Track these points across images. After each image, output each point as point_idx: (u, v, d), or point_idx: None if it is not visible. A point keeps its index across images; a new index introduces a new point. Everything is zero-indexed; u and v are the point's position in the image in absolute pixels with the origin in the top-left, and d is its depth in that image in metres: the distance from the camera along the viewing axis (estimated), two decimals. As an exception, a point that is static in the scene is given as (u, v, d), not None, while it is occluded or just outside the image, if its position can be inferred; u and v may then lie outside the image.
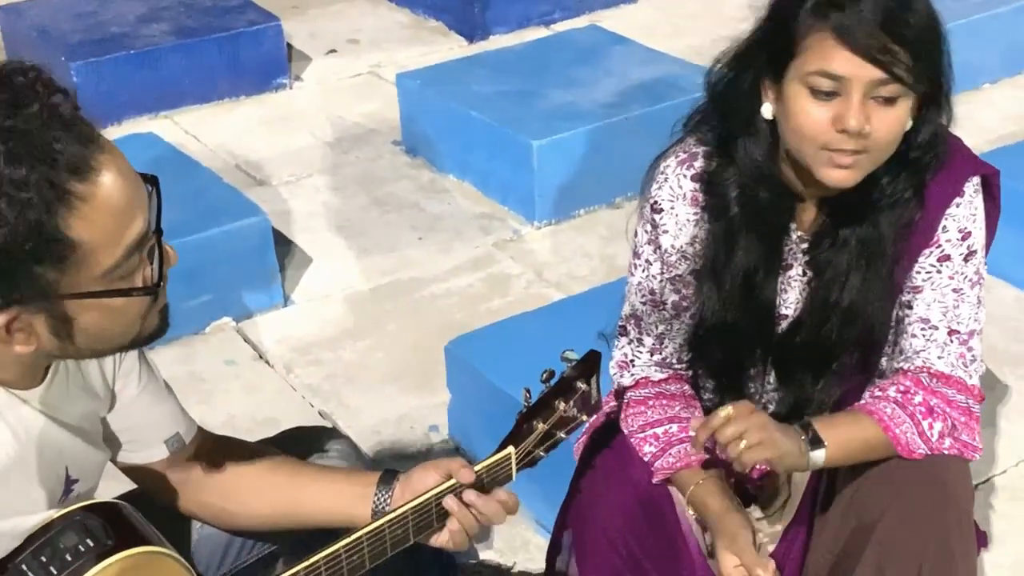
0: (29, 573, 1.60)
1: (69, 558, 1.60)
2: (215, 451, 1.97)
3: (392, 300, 3.60)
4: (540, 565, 2.52)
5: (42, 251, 1.41)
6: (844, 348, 2.04)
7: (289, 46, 5.06)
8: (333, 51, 5.23)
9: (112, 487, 1.86)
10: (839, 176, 1.86)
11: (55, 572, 1.59)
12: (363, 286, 3.68)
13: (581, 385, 1.90)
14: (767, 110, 1.89)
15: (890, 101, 1.81)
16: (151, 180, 1.54)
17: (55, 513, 1.66)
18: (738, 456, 1.87)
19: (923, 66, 1.81)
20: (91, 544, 1.62)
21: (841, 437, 1.95)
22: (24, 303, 1.45)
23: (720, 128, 2.01)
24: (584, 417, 1.92)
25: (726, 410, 1.90)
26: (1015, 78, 4.76)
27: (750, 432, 1.87)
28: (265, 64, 4.87)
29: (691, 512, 2.07)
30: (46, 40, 4.74)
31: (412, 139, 4.40)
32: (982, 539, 2.45)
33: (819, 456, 1.93)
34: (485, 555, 2.70)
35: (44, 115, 1.41)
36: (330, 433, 2.20)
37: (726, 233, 2.01)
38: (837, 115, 1.81)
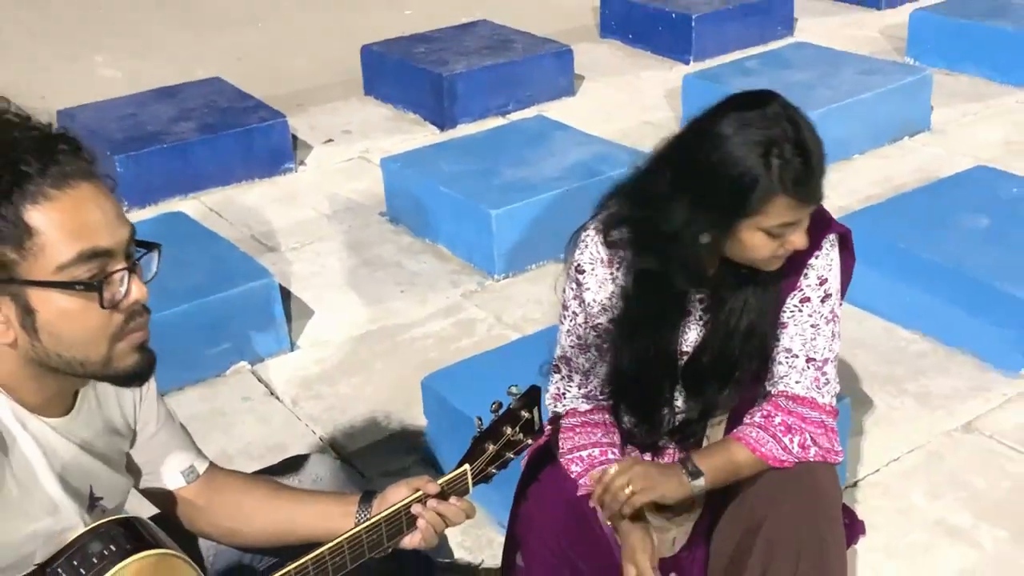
0: (63, 574, 1.59)
1: (95, 561, 1.59)
2: (224, 481, 1.95)
3: (379, 343, 3.58)
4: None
5: (12, 234, 1.42)
6: (745, 360, 2.04)
7: (294, 137, 5.08)
8: (330, 140, 5.23)
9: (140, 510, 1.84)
10: (779, 264, 1.92)
11: (84, 573, 1.58)
12: (355, 332, 3.66)
13: (525, 414, 1.89)
14: (706, 238, 1.86)
15: None
16: (154, 246, 1.56)
17: (83, 528, 1.64)
18: (626, 501, 1.91)
19: None
20: (113, 549, 1.61)
21: (716, 464, 1.99)
22: None
23: (652, 243, 1.95)
24: (528, 440, 1.91)
25: (613, 467, 1.94)
26: (878, 149, 4.79)
27: (634, 481, 1.91)
28: (274, 152, 4.88)
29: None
30: (94, 138, 4.72)
31: (394, 210, 4.40)
32: (861, 528, 2.46)
33: (700, 483, 1.97)
34: (458, 553, 2.68)
35: (45, 158, 1.44)
36: (318, 459, 2.17)
37: (639, 294, 2.01)
38: (786, 241, 1.86)
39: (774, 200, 1.80)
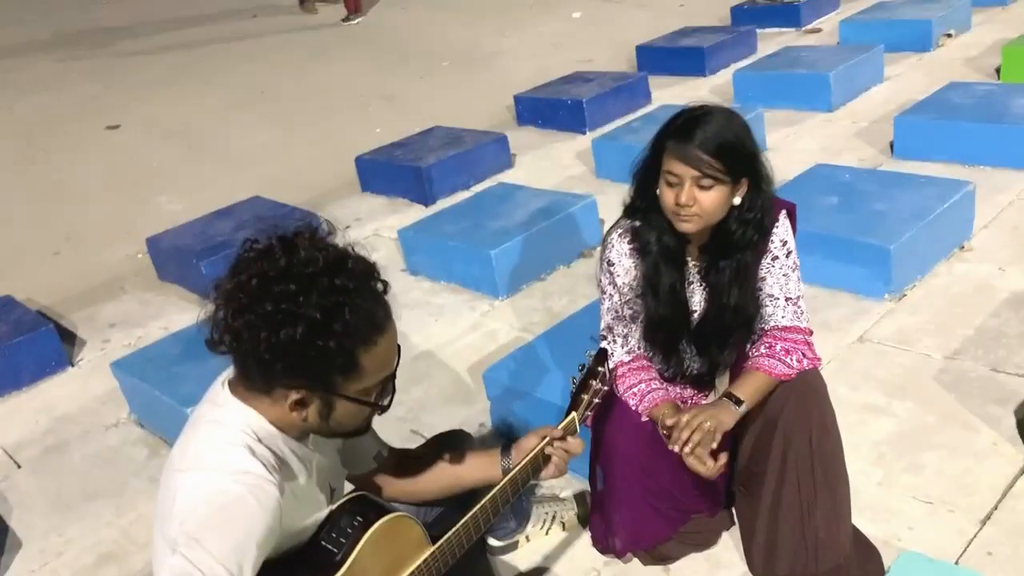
0: (328, 545, 1.56)
1: (349, 531, 1.58)
2: (401, 459, 1.92)
3: (430, 358, 3.54)
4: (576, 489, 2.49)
5: (345, 367, 1.39)
6: (735, 330, 2.05)
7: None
8: (348, 227, 5.13)
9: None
10: (683, 227, 1.91)
11: (343, 541, 1.56)
12: (411, 353, 3.56)
13: (600, 368, 1.90)
14: (658, 189, 1.93)
15: (706, 187, 1.84)
16: (398, 350, 1.53)
17: (331, 508, 1.61)
18: (707, 433, 1.91)
19: (728, 168, 1.84)
20: (360, 520, 1.59)
21: (749, 391, 1.99)
22: (314, 390, 1.41)
23: (642, 209, 2.01)
24: (605, 387, 1.90)
25: (685, 416, 1.93)
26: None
27: (708, 420, 1.92)
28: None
29: (663, 430, 2.04)
30: (183, 252, 4.62)
31: (413, 266, 4.34)
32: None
33: (743, 408, 1.98)
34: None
35: (375, 306, 1.41)
36: (461, 433, 2.14)
37: (654, 266, 2.02)
38: (677, 195, 1.85)
39: (667, 147, 1.85)
